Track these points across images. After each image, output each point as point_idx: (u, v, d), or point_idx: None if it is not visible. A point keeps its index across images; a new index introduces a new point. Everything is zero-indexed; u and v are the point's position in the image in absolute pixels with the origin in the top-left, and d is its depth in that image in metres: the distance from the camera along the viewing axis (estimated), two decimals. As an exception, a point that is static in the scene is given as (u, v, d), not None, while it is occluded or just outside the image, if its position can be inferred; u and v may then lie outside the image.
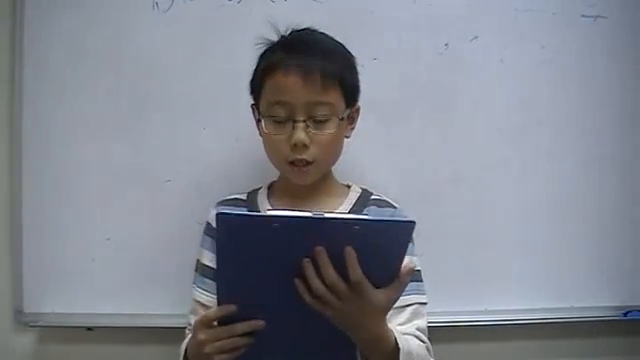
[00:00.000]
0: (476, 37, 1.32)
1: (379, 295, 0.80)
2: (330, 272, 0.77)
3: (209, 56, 1.28)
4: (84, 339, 1.31)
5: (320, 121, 0.99)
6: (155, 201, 1.29)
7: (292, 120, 0.98)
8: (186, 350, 0.96)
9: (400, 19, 1.30)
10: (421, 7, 1.30)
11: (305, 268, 0.78)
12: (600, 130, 1.36)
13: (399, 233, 0.78)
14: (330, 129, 0.99)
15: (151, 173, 1.29)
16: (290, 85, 0.97)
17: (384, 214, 1.05)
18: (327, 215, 0.77)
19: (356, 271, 0.77)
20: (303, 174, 1.02)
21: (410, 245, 1.03)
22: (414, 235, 1.05)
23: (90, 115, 1.29)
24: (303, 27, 1.04)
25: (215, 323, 0.85)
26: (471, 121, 1.33)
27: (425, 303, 1.02)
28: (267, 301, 0.81)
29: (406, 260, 0.82)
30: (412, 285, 1.02)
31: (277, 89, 0.98)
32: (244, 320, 0.82)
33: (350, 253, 0.76)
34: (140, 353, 1.33)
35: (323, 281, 0.78)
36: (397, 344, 0.86)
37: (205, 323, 0.85)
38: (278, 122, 0.99)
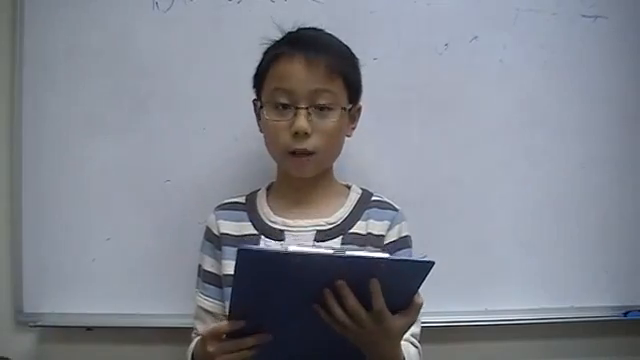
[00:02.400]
0: (476, 37, 1.32)
1: (397, 321, 0.82)
2: (352, 302, 0.79)
3: (209, 56, 1.28)
4: (84, 339, 1.31)
5: (323, 109, 0.98)
6: (155, 201, 1.29)
7: (294, 107, 0.97)
8: (193, 356, 0.96)
9: (400, 19, 1.30)
10: (421, 7, 1.30)
11: (326, 298, 0.79)
12: (600, 130, 1.36)
13: (417, 271, 0.80)
14: (333, 118, 0.99)
15: (151, 173, 1.29)
16: (294, 72, 0.97)
17: (385, 216, 1.05)
18: (348, 253, 0.78)
19: (379, 301, 0.79)
20: (303, 165, 1.01)
21: (408, 250, 1.05)
22: (413, 236, 1.07)
23: (90, 115, 1.29)
24: (308, 27, 1.05)
25: (224, 336, 0.85)
26: (471, 121, 1.33)
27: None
28: (279, 321, 0.82)
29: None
30: None
31: (280, 76, 0.98)
32: (253, 331, 0.83)
33: (375, 284, 0.78)
34: (140, 353, 1.33)
35: (344, 308, 0.79)
36: None
37: (214, 336, 0.85)
38: (280, 109, 0.99)
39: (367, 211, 1.06)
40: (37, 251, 1.29)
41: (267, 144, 1.05)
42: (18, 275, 1.29)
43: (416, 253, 1.06)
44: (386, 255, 0.81)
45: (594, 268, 1.36)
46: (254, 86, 1.06)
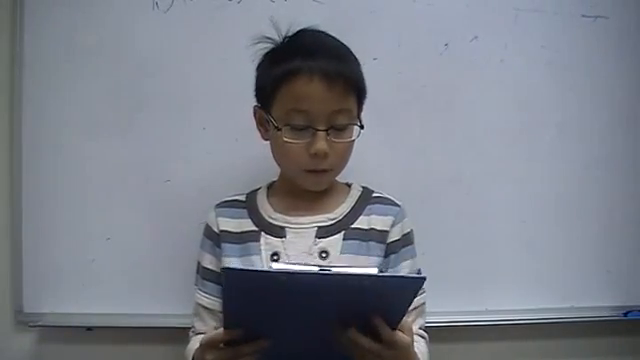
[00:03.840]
0: (476, 37, 1.32)
1: (406, 338, 0.83)
2: (367, 344, 0.81)
3: (209, 56, 1.28)
4: (84, 339, 1.31)
5: (339, 129, 0.98)
6: (155, 201, 1.29)
7: (313, 129, 0.96)
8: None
9: (400, 19, 1.30)
10: (421, 7, 1.31)
11: (340, 340, 0.81)
12: (600, 130, 1.36)
13: (408, 287, 0.80)
14: (349, 136, 0.99)
15: (151, 173, 1.29)
16: (313, 94, 0.94)
17: (389, 212, 1.05)
18: (335, 270, 0.77)
19: (386, 330, 0.80)
20: (319, 181, 1.01)
21: (411, 247, 1.05)
22: (415, 235, 1.07)
23: (90, 115, 1.29)
24: (304, 27, 1.03)
25: (221, 345, 0.84)
26: (471, 121, 1.33)
27: (425, 302, 1.04)
28: (274, 330, 0.82)
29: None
30: None
31: (298, 97, 0.95)
32: (250, 338, 0.82)
33: (377, 320, 0.79)
34: (140, 353, 1.33)
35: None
36: None
37: (211, 345, 0.85)
38: (297, 130, 0.97)
39: (369, 207, 1.06)
40: (37, 251, 1.29)
41: (279, 160, 1.04)
42: (18, 275, 1.29)
43: (418, 250, 1.06)
44: (374, 271, 0.80)
45: (594, 268, 1.36)
46: (259, 96, 1.03)
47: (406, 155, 1.32)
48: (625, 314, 1.35)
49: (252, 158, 1.21)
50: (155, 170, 1.29)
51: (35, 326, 1.29)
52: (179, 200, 1.29)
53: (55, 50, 1.28)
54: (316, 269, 0.77)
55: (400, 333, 0.83)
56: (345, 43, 1.04)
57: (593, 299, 1.35)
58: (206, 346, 0.86)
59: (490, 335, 1.36)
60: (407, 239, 1.06)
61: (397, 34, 1.30)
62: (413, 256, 1.05)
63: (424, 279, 0.78)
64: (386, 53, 1.29)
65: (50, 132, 1.29)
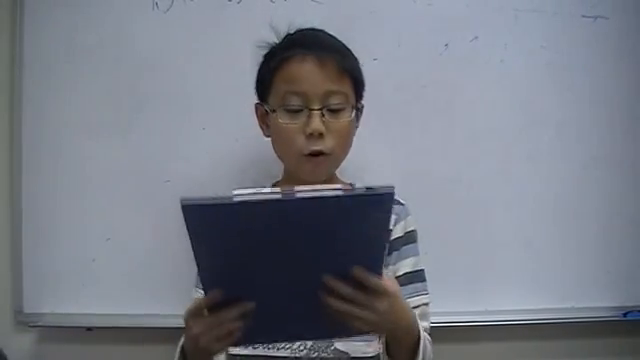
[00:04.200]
0: (476, 37, 1.32)
1: (393, 285, 0.81)
2: (347, 290, 0.76)
3: (209, 56, 1.28)
4: (84, 339, 1.31)
5: (335, 110, 0.99)
6: (155, 201, 1.29)
7: (308, 109, 0.97)
8: (182, 348, 0.95)
9: (400, 19, 1.30)
10: (421, 7, 1.31)
11: (323, 298, 0.76)
12: (600, 130, 1.36)
13: (378, 204, 0.76)
14: (345, 117, 0.99)
15: (151, 173, 1.29)
16: (306, 74, 0.97)
17: (392, 211, 1.05)
18: (298, 195, 0.71)
19: (369, 278, 0.76)
20: (318, 166, 1.00)
21: (413, 245, 1.04)
22: (418, 235, 1.06)
23: (90, 115, 1.29)
24: (307, 28, 1.04)
25: (206, 312, 0.80)
26: (471, 121, 1.33)
27: (429, 302, 1.03)
28: (254, 280, 0.77)
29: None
30: (418, 286, 1.03)
31: (292, 79, 0.98)
32: (235, 301, 0.77)
33: (358, 271, 0.75)
34: (140, 353, 1.33)
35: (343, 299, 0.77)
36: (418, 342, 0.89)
37: (195, 313, 0.81)
38: (292, 112, 0.98)
39: None
40: (37, 251, 1.29)
41: (278, 149, 1.04)
42: (18, 275, 1.29)
43: (421, 248, 1.07)
44: (339, 191, 0.73)
45: (594, 268, 1.36)
46: (259, 91, 1.04)
47: (406, 155, 1.32)
48: (624, 314, 1.35)
49: (252, 158, 1.22)
50: (155, 170, 1.29)
51: (35, 326, 1.29)
52: (179, 200, 1.28)
53: (55, 50, 1.28)
54: (278, 196, 0.71)
55: (387, 280, 0.79)
56: (345, 43, 1.04)
57: (592, 299, 1.35)
58: (190, 316, 0.82)
59: (490, 335, 1.36)
60: (410, 237, 1.06)
61: (397, 34, 1.30)
62: (415, 254, 1.05)
63: (391, 193, 0.75)
64: (386, 53, 1.29)
65: (50, 132, 1.29)
